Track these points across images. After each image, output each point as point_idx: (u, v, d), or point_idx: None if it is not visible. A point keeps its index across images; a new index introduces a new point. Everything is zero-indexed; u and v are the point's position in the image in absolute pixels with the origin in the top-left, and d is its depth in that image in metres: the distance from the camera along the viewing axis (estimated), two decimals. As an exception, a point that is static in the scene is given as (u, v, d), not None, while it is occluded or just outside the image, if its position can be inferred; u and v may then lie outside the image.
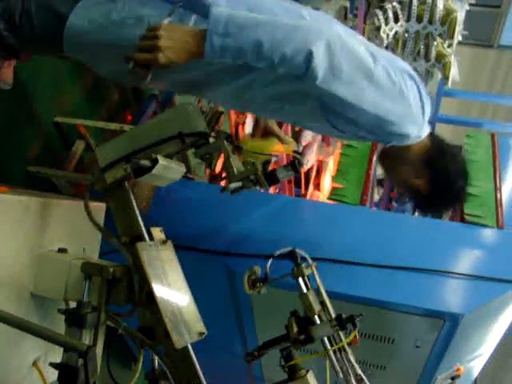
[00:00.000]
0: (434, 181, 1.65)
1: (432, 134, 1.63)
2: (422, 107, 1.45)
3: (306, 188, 3.77)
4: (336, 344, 1.31)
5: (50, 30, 1.42)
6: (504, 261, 2.06)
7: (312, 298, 1.36)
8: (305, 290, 1.39)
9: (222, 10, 1.25)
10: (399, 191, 1.73)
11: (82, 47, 1.47)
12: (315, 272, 1.43)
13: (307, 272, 1.40)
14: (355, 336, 1.35)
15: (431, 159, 1.62)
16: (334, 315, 1.34)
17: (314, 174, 3.73)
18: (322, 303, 1.38)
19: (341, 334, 1.32)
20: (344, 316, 1.31)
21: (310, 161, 3.48)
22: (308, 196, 3.72)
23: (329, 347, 1.30)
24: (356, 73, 1.31)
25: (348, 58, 1.28)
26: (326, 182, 3.74)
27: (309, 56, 1.22)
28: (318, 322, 1.32)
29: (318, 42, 1.23)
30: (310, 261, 1.44)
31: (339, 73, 1.28)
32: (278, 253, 1.44)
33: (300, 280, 1.40)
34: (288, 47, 1.22)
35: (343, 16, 4.41)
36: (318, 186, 3.75)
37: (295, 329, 1.33)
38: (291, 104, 1.49)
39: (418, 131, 1.50)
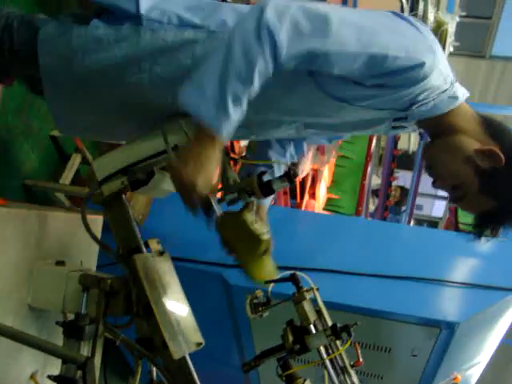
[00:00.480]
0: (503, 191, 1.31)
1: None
2: (417, 28, 1.21)
3: (302, 197, 3.78)
4: (333, 353, 1.32)
5: (29, 47, 1.34)
6: (498, 269, 2.08)
7: (308, 307, 1.36)
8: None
9: (183, 93, 1.15)
10: (452, 200, 1.38)
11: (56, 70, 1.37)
12: (317, 295, 1.41)
13: (308, 296, 1.40)
14: (358, 358, 1.35)
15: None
16: (330, 324, 1.35)
17: (309, 183, 3.75)
18: (319, 312, 1.38)
19: (337, 342, 1.32)
20: (339, 325, 1.32)
21: (304, 170, 3.49)
22: (303, 205, 3.73)
23: (325, 356, 1.31)
24: (319, 21, 1.14)
25: (301, 12, 1.14)
26: (322, 191, 3.75)
27: (274, 46, 1.10)
28: (314, 331, 1.32)
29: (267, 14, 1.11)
30: (311, 284, 1.42)
31: (302, 28, 1.13)
32: (278, 277, 1.44)
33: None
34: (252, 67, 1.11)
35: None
36: (313, 196, 3.77)
37: (291, 338, 1.33)
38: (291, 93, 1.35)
39: (432, 57, 1.18)
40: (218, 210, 1.33)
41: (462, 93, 1.32)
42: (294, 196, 3.71)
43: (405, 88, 1.21)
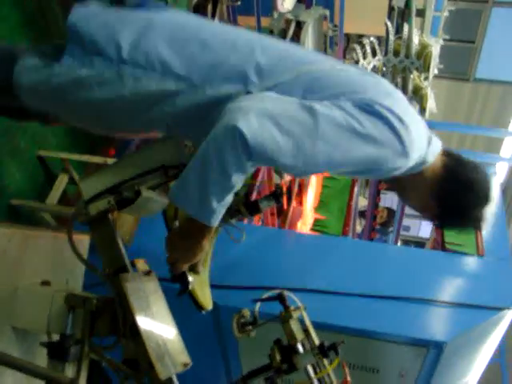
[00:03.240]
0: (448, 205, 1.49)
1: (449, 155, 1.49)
2: (398, 137, 1.26)
3: (289, 203, 3.75)
4: (321, 371, 1.31)
5: (5, 81, 1.34)
6: (485, 288, 2.09)
7: (295, 326, 1.36)
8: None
9: (175, 191, 1.23)
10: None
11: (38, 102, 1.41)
12: (305, 314, 1.42)
13: (296, 315, 1.40)
14: (346, 377, 1.35)
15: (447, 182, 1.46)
16: (317, 343, 1.34)
17: (295, 187, 3.71)
18: (306, 331, 1.37)
19: (325, 361, 1.32)
20: (326, 344, 1.31)
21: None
22: (290, 211, 3.69)
23: (313, 375, 1.30)
24: (299, 137, 1.18)
25: (280, 125, 1.16)
26: (309, 197, 3.73)
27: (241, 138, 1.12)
28: (301, 350, 1.32)
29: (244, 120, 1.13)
30: (299, 303, 1.43)
31: (278, 146, 1.15)
32: (265, 296, 1.45)
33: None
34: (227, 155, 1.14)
35: (322, 24, 4.45)
36: (300, 203, 3.74)
37: (278, 358, 1.33)
38: None
39: (405, 161, 1.30)
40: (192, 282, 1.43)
41: (433, 153, 1.41)
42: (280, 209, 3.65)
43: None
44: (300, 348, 1.32)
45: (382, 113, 1.23)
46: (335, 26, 4.61)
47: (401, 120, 1.24)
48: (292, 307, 1.40)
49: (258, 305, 1.43)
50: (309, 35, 3.73)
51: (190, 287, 1.41)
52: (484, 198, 1.47)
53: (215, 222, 1.23)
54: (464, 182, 1.44)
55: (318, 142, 1.18)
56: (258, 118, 1.13)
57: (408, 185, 1.48)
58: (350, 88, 1.27)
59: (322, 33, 4.42)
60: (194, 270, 1.43)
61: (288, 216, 3.66)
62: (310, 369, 1.31)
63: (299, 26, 3.63)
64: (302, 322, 1.39)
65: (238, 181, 1.18)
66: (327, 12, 4.19)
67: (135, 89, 1.28)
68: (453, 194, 1.45)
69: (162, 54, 1.29)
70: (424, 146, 1.36)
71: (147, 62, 1.28)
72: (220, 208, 1.21)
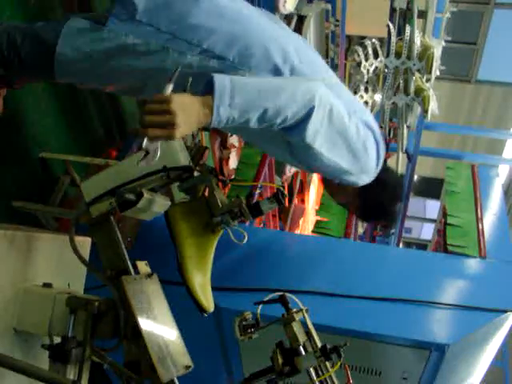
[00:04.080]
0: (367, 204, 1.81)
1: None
2: (378, 159, 1.60)
3: (290, 201, 3.73)
4: (323, 374, 1.30)
5: (39, 59, 1.40)
6: (488, 290, 2.08)
7: (297, 328, 1.35)
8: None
9: (224, 79, 1.24)
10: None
11: (72, 74, 1.46)
12: (307, 317, 1.41)
13: (298, 317, 1.39)
14: (349, 380, 1.35)
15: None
16: (319, 345, 1.34)
17: (297, 185, 3.69)
18: (308, 333, 1.37)
19: (327, 364, 1.31)
20: (329, 346, 1.31)
21: (292, 168, 3.47)
22: (291, 209, 3.67)
23: (315, 378, 1.30)
24: (335, 130, 1.41)
25: (331, 117, 1.38)
26: (312, 195, 3.70)
27: (307, 117, 1.32)
28: (303, 352, 1.31)
29: (313, 103, 1.32)
30: (301, 305, 1.42)
31: (322, 129, 1.37)
32: (267, 298, 1.44)
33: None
34: (290, 111, 1.30)
35: (324, 19, 4.46)
36: (302, 201, 3.72)
37: (280, 360, 1.32)
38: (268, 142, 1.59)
39: (368, 180, 1.66)
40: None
41: None
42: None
43: None
44: (302, 350, 1.31)
45: (375, 135, 1.57)
46: (337, 20, 4.59)
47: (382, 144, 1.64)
48: (294, 309, 1.40)
49: (260, 307, 1.43)
50: (311, 30, 3.72)
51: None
52: (396, 197, 1.83)
53: (218, 123, 1.26)
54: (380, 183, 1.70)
55: (344, 141, 1.46)
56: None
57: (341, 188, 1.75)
58: (357, 107, 1.59)
59: (323, 28, 4.41)
60: None
61: (289, 214, 3.64)
62: (312, 371, 1.31)
63: (301, 20, 3.62)
64: (303, 324, 1.39)
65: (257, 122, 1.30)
66: (329, 6, 4.18)
67: (178, 63, 1.31)
68: (371, 193, 1.73)
69: (207, 31, 1.38)
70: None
71: (194, 38, 1.36)
72: (229, 122, 1.27)
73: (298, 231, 3.63)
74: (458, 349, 1.94)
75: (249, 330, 1.40)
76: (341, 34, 4.38)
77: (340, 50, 4.52)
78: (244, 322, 1.42)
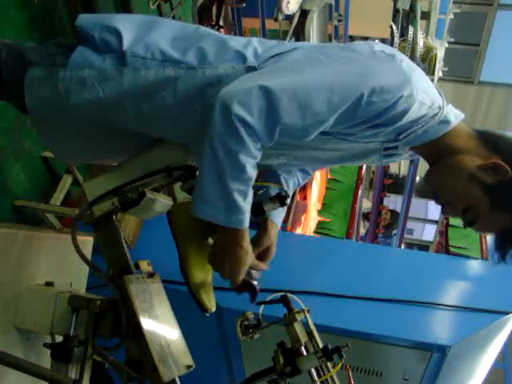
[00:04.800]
0: None
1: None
2: (392, 59, 1.19)
3: (293, 197, 3.70)
4: (325, 374, 1.30)
5: (16, 80, 1.32)
6: (489, 291, 2.08)
7: (299, 329, 1.35)
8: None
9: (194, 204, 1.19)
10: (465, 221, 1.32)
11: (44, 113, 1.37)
12: (308, 317, 1.41)
13: (299, 318, 1.38)
14: (350, 380, 1.35)
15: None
16: (321, 346, 1.34)
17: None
18: (310, 334, 1.37)
19: (329, 365, 1.31)
20: (330, 347, 1.31)
21: None
22: (293, 206, 3.66)
23: (316, 379, 1.30)
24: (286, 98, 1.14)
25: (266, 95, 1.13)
26: (314, 192, 3.69)
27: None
28: (305, 353, 1.31)
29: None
30: (302, 306, 1.41)
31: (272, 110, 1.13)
32: (269, 298, 1.44)
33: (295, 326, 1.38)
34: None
35: (328, 14, 4.43)
36: (304, 198, 3.71)
37: (282, 360, 1.32)
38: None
39: (409, 89, 1.15)
40: (258, 284, 1.39)
41: (455, 115, 1.29)
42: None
43: (388, 125, 1.20)
44: (304, 351, 1.31)
45: (384, 51, 1.20)
46: (340, 15, 4.58)
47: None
48: (296, 310, 1.40)
49: (262, 307, 1.43)
50: (314, 24, 3.69)
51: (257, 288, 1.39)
52: None
53: (247, 221, 1.20)
54: None
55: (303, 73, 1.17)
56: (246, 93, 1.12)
57: (442, 155, 1.28)
58: None
59: (326, 23, 4.38)
60: (255, 268, 1.37)
61: (292, 210, 3.63)
62: (313, 372, 1.31)
63: (304, 15, 3.59)
64: (305, 324, 1.39)
65: (252, 169, 1.16)
66: (332, 0, 4.15)
67: (134, 79, 1.27)
68: None
69: (161, 43, 1.30)
70: (436, 96, 1.24)
71: (148, 52, 1.28)
72: (247, 206, 1.18)
73: (299, 228, 3.62)
74: (460, 350, 1.94)
75: (250, 330, 1.41)
76: (344, 32, 4.38)
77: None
78: (246, 322, 1.42)
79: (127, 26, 1.33)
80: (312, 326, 1.39)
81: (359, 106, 1.14)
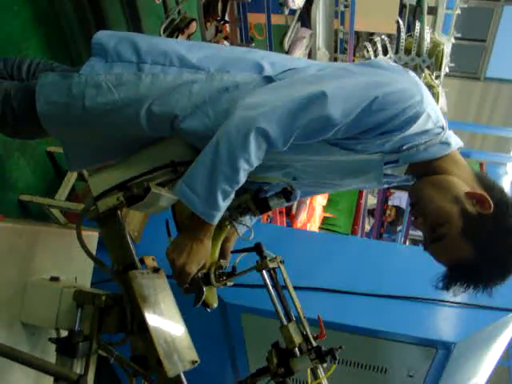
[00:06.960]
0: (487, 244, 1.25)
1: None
2: (400, 73, 1.24)
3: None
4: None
5: (30, 108, 1.33)
6: (495, 288, 2.07)
7: (293, 329, 1.33)
8: (270, 285, 1.39)
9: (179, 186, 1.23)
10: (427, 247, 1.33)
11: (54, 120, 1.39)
12: (281, 266, 1.43)
13: (272, 265, 1.40)
14: (322, 331, 1.34)
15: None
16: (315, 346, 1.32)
17: None
18: (305, 336, 1.35)
19: (321, 368, 1.30)
20: (324, 349, 1.29)
21: None
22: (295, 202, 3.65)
23: (309, 381, 1.29)
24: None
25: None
26: None
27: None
28: (299, 354, 1.29)
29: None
30: (273, 255, 1.44)
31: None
32: (243, 247, 1.47)
33: (264, 273, 1.40)
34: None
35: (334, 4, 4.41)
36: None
37: (275, 361, 1.31)
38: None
39: (420, 104, 1.16)
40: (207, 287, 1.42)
41: (455, 141, 1.31)
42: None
43: (397, 131, 1.21)
44: (297, 352, 1.30)
45: (392, 66, 1.28)
46: (346, 0, 4.55)
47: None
48: (268, 258, 1.41)
49: (240, 257, 1.45)
50: (319, 10, 3.64)
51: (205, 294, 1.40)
52: None
53: (217, 220, 1.25)
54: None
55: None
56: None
57: (431, 172, 1.30)
58: None
59: (332, 10, 4.36)
60: (207, 279, 1.41)
61: (293, 207, 3.63)
62: (309, 373, 1.30)
63: (310, 1, 3.56)
64: (279, 276, 1.41)
65: (243, 176, 1.21)
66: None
67: (152, 84, 1.30)
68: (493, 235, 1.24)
69: (179, 51, 1.35)
70: (440, 116, 1.27)
71: (165, 59, 1.33)
72: (224, 206, 1.23)
73: (301, 217, 3.61)
74: (465, 347, 1.93)
75: (224, 278, 1.43)
76: (349, 30, 4.36)
77: (348, 46, 4.50)
78: (220, 270, 1.44)
79: (143, 38, 1.40)
80: (286, 276, 1.41)
81: (371, 110, 1.16)
